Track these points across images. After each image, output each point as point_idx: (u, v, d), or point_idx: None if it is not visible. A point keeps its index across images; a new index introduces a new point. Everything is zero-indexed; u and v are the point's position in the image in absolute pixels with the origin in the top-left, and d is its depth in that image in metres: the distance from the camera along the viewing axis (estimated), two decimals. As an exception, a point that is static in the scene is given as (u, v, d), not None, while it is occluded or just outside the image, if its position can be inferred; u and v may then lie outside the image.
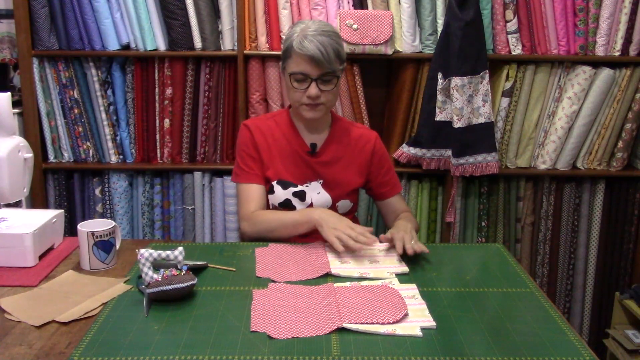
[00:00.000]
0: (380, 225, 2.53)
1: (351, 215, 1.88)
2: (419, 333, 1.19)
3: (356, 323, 1.21)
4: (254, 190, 1.77)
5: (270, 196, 1.78)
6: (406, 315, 1.25)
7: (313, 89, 1.66)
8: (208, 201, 2.53)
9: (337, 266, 1.50)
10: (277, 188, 1.77)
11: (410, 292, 1.36)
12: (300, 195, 1.76)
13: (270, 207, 1.80)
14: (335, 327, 1.19)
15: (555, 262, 2.65)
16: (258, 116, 2.05)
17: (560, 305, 2.68)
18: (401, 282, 1.42)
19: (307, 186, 1.77)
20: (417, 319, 1.24)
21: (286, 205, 1.77)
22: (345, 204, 1.82)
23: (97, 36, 2.38)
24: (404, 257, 1.56)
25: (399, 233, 1.59)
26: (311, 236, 1.74)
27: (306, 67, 1.65)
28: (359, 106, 2.46)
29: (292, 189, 1.76)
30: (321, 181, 1.78)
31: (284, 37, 2.37)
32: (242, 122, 1.91)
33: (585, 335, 2.69)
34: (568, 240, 2.63)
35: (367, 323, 1.21)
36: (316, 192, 1.78)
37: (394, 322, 1.21)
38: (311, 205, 1.77)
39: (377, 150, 1.85)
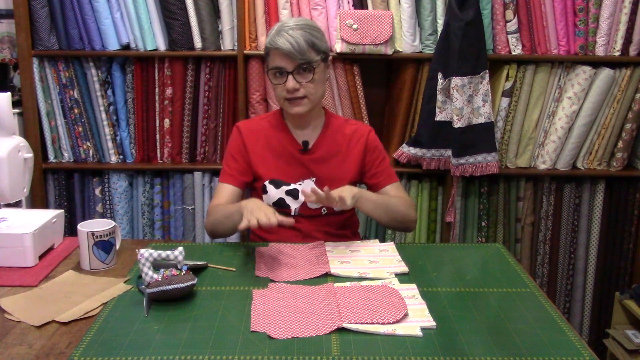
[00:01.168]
0: (381, 227, 2.53)
1: (349, 213, 1.86)
2: (419, 333, 1.19)
3: (356, 323, 1.21)
4: (225, 189, 1.78)
5: (264, 196, 1.78)
6: (406, 315, 1.25)
7: (290, 82, 1.68)
8: (208, 201, 2.53)
9: (336, 266, 1.49)
10: (270, 188, 1.76)
11: (410, 292, 1.36)
12: (293, 194, 1.76)
13: None
14: (336, 327, 1.19)
15: (555, 262, 2.65)
16: (252, 117, 2.04)
17: (560, 305, 2.68)
18: (401, 282, 1.42)
19: (299, 184, 1.77)
20: (417, 319, 1.24)
21: (280, 204, 1.76)
22: None
23: (97, 36, 2.38)
24: (404, 257, 1.56)
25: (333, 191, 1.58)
26: (311, 236, 1.75)
27: (281, 62, 1.67)
28: (359, 106, 2.46)
29: (285, 188, 1.76)
30: (314, 179, 1.78)
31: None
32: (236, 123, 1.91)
33: (585, 335, 2.69)
34: (568, 240, 2.63)
35: (367, 323, 1.21)
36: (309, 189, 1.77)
37: (394, 322, 1.21)
38: (305, 203, 1.76)
39: (370, 143, 1.83)
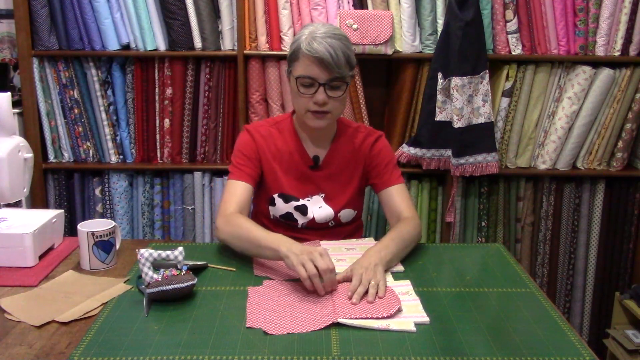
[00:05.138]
0: (381, 228, 2.53)
1: (356, 223, 1.85)
2: (412, 328, 1.20)
3: (351, 318, 1.22)
4: (238, 187, 1.67)
5: (271, 208, 1.75)
6: (400, 310, 1.26)
7: (320, 95, 1.58)
8: (208, 201, 2.53)
9: (334, 265, 1.50)
10: (279, 201, 1.74)
11: (404, 288, 1.37)
12: (302, 210, 1.73)
13: (271, 217, 1.77)
14: (330, 322, 1.20)
15: (555, 262, 2.65)
16: (259, 121, 1.97)
17: (560, 305, 2.68)
18: (395, 279, 1.43)
19: (308, 200, 1.74)
20: (411, 314, 1.25)
21: (287, 217, 1.74)
22: (348, 213, 1.78)
23: (97, 36, 2.38)
24: (404, 257, 1.56)
25: (358, 271, 1.38)
26: (309, 235, 1.74)
27: (314, 71, 1.57)
28: (359, 106, 2.46)
29: (294, 203, 1.73)
30: (323, 195, 1.75)
31: (284, 37, 2.38)
32: (243, 125, 1.85)
33: (585, 335, 2.69)
34: (568, 240, 2.62)
35: (361, 318, 1.22)
36: (318, 205, 1.74)
37: (387, 317, 1.22)
38: (313, 219, 1.74)
39: (374, 148, 1.78)
